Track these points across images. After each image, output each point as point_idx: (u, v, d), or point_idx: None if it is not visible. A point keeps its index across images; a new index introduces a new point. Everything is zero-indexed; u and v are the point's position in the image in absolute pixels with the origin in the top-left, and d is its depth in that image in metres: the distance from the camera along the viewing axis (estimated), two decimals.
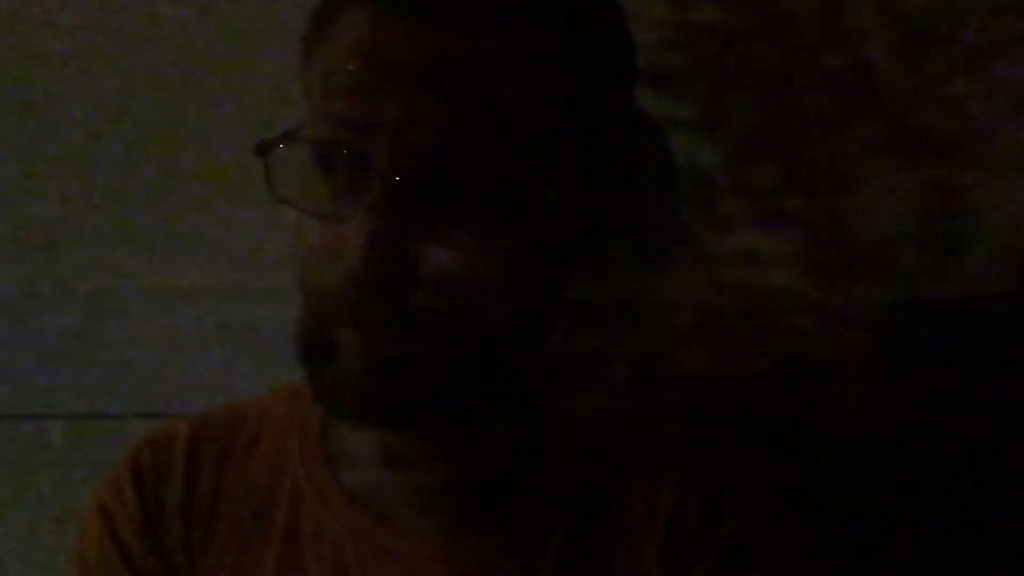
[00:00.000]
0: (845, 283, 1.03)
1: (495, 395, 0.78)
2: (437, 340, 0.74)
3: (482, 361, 0.76)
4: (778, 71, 1.02)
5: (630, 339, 1.03)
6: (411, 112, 0.72)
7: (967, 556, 1.01)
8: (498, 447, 0.81)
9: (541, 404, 0.83)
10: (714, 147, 1.02)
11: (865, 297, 1.02)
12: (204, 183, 1.12)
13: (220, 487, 0.85)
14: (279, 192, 0.76)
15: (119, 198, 1.13)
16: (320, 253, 0.75)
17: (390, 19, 0.73)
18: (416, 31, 0.72)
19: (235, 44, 1.11)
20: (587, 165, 0.77)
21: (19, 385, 1.12)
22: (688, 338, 1.03)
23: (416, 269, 0.73)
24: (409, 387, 0.74)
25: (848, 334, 1.02)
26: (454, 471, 0.81)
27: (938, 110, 1.02)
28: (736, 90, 1.02)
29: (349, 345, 0.74)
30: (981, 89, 1.01)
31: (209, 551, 0.85)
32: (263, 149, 0.76)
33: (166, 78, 1.11)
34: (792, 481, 0.86)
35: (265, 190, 0.77)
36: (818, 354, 1.03)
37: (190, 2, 1.11)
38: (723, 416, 0.99)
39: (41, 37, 1.12)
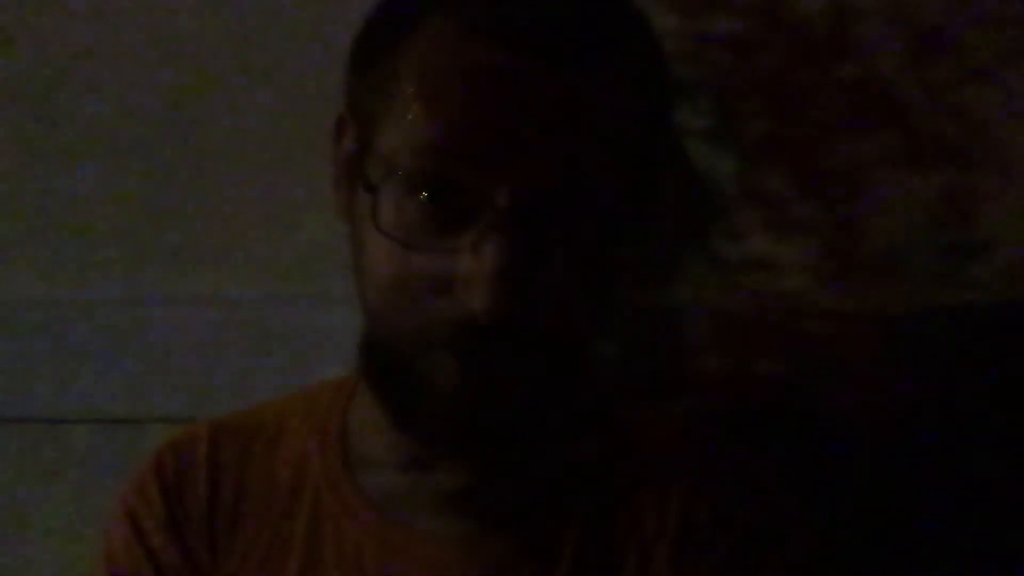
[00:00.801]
0: (858, 290, 1.03)
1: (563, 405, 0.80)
2: (539, 372, 0.75)
3: (571, 381, 0.78)
4: (790, 81, 1.02)
5: (644, 345, 1.04)
6: (532, 148, 0.72)
7: (975, 561, 1.01)
8: (516, 450, 0.82)
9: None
10: (727, 156, 1.03)
11: (878, 304, 1.03)
12: (226, 193, 1.13)
13: (242, 489, 0.86)
14: (382, 225, 0.74)
15: (142, 209, 1.14)
16: (414, 285, 0.74)
17: (490, 44, 0.72)
18: (527, 61, 0.72)
19: (263, 57, 1.12)
20: (641, 182, 0.79)
21: (45, 390, 1.14)
22: (702, 344, 1.03)
23: (532, 303, 0.73)
24: (508, 417, 0.76)
25: (861, 341, 1.03)
26: (473, 474, 0.82)
27: (949, 119, 1.02)
28: (748, 100, 1.03)
29: (448, 377, 0.74)
30: (992, 98, 1.02)
31: (233, 552, 0.85)
32: (372, 187, 0.75)
33: (191, 90, 1.13)
34: (803, 487, 0.87)
35: (372, 220, 0.74)
36: (831, 360, 1.03)
37: (213, 15, 1.12)
38: (736, 421, 1.00)
39: (69, 50, 1.14)
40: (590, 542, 0.82)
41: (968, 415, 1.02)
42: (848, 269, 1.03)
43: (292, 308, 1.11)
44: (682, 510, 0.82)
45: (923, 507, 1.01)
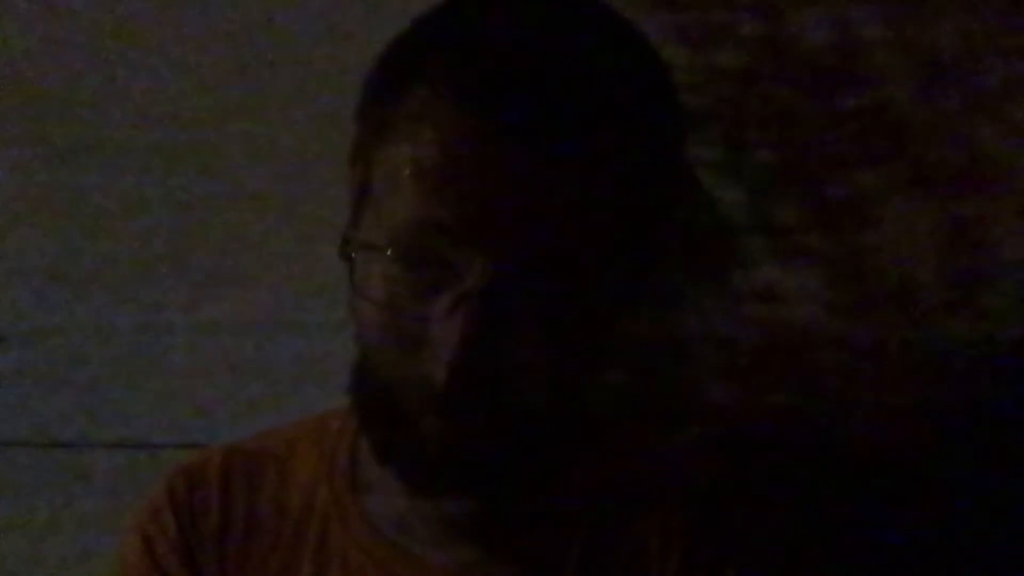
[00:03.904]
0: (866, 320, 1.03)
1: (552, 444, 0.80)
2: (517, 423, 0.76)
3: (552, 427, 0.79)
4: (798, 111, 1.03)
5: (653, 374, 1.04)
6: (506, 224, 0.73)
7: None
8: (495, 495, 0.82)
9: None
10: (736, 186, 1.04)
11: (886, 334, 1.03)
12: (244, 219, 1.14)
13: (253, 514, 0.87)
14: (359, 287, 0.76)
15: (160, 234, 1.15)
16: (396, 341, 0.76)
17: (473, 120, 0.72)
18: (509, 138, 0.72)
19: (286, 86, 1.13)
20: (644, 225, 0.79)
21: (63, 415, 1.15)
22: (710, 373, 1.04)
23: (503, 366, 0.74)
24: (488, 465, 0.77)
25: (870, 371, 1.03)
26: (477, 502, 0.82)
27: (958, 148, 1.02)
28: (757, 130, 1.03)
29: (429, 428, 0.76)
30: (1001, 128, 1.02)
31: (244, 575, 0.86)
32: (348, 254, 0.76)
33: (213, 118, 1.14)
34: (810, 516, 0.87)
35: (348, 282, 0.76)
36: (840, 391, 1.03)
37: (236, 43, 1.14)
38: (743, 450, 1.00)
39: (89, 81, 1.15)
40: (594, 569, 0.82)
41: (981, 446, 1.02)
42: (858, 299, 1.03)
43: (310, 335, 1.12)
44: (687, 538, 0.82)
45: (934, 538, 1.01)
